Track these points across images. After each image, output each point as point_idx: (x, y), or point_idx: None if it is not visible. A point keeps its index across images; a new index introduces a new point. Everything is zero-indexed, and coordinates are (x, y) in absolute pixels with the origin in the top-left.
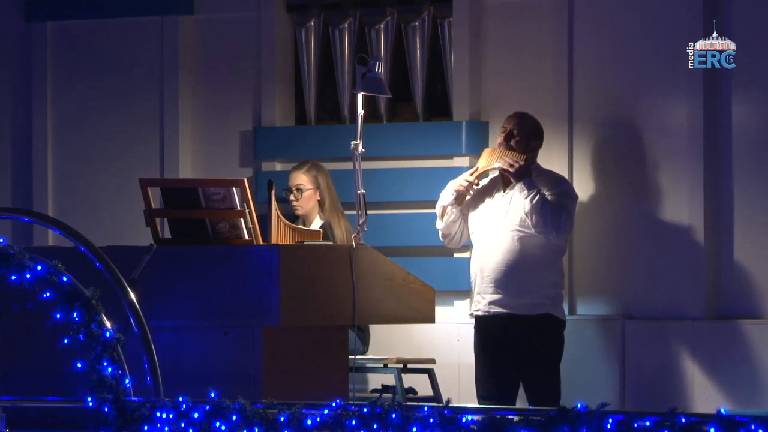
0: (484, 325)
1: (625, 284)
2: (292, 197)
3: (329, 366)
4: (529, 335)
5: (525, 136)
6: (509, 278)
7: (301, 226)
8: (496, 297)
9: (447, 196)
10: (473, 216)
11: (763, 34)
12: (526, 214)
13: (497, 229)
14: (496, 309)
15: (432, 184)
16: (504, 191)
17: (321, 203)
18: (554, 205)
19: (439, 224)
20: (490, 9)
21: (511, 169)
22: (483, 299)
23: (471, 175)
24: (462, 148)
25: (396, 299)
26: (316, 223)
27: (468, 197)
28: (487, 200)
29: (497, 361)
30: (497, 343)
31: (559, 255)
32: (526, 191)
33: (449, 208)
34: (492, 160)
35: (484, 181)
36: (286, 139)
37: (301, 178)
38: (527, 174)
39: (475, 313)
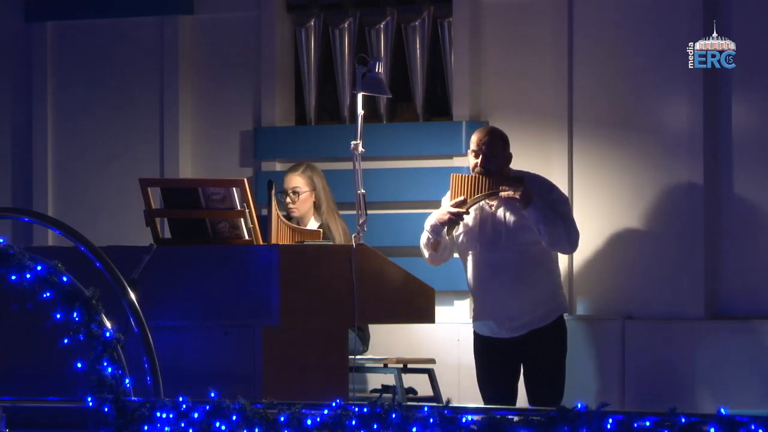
0: (495, 342)
1: (625, 284)
2: (288, 200)
3: (329, 366)
4: (543, 341)
5: (500, 153)
6: (523, 300)
7: (301, 226)
8: (516, 323)
9: (437, 229)
10: (466, 240)
11: (763, 34)
12: (540, 235)
13: (498, 254)
14: (522, 332)
15: (432, 184)
16: (493, 210)
17: (317, 205)
18: (561, 218)
19: (430, 255)
20: (490, 9)
21: (517, 196)
22: (504, 324)
23: (461, 207)
24: (462, 148)
25: (396, 299)
26: (312, 225)
27: (458, 224)
28: (479, 224)
29: (505, 369)
30: (505, 355)
31: (553, 253)
32: (539, 216)
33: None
34: (478, 188)
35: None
36: (286, 139)
37: (297, 181)
38: (532, 197)
39: (494, 337)
